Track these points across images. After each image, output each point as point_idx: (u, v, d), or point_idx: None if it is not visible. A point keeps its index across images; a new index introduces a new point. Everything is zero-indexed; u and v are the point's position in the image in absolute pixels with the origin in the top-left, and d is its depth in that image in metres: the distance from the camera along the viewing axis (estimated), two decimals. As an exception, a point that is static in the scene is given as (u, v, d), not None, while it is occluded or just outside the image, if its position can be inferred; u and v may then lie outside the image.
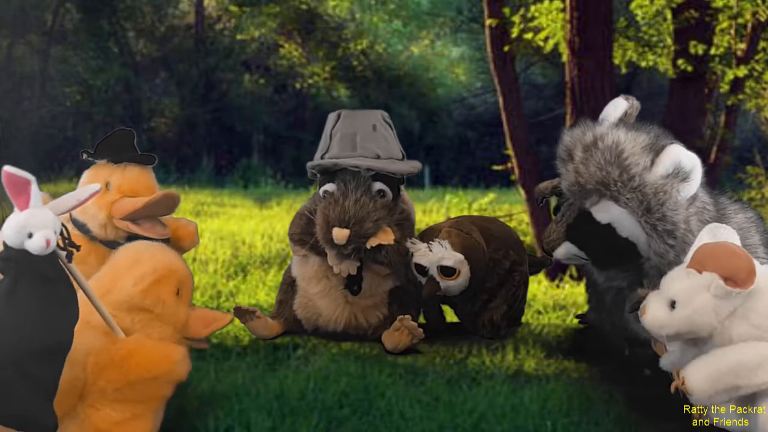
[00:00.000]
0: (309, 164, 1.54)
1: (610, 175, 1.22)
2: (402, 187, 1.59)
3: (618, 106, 1.33)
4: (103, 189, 1.47)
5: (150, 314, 1.15)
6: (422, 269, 1.48)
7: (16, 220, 0.97)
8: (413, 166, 1.54)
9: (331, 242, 1.44)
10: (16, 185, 0.97)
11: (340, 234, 1.42)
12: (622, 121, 1.30)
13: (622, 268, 1.33)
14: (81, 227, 1.50)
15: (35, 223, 0.96)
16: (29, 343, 0.95)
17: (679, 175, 1.21)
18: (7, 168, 0.97)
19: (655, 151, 1.23)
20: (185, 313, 1.20)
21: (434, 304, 1.63)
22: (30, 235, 0.96)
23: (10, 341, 0.94)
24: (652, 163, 1.22)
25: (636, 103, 1.34)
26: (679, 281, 1.11)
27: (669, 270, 1.24)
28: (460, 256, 1.47)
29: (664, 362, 1.20)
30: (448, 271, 1.47)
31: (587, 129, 1.28)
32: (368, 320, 1.56)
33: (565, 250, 1.33)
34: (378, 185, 1.47)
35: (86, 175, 1.52)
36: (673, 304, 1.10)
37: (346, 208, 1.44)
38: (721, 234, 1.17)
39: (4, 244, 0.99)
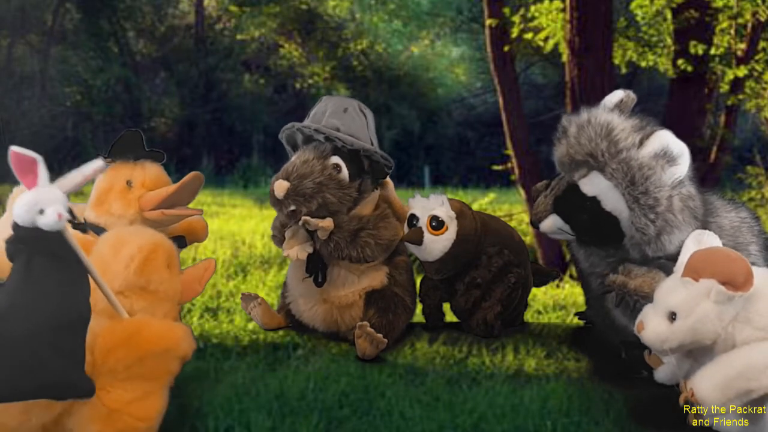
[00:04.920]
0: (279, 136, 1.57)
1: (598, 147, 1.27)
2: (390, 187, 1.59)
3: (614, 95, 1.38)
4: (126, 187, 1.48)
5: (149, 293, 1.16)
6: (413, 220, 1.51)
7: (26, 198, 0.98)
8: (378, 152, 1.51)
9: (273, 199, 1.45)
10: (23, 165, 1.00)
11: (279, 186, 1.42)
12: (617, 107, 1.34)
13: (604, 247, 1.35)
14: (100, 231, 1.50)
15: (46, 199, 0.98)
16: (55, 318, 0.97)
17: (665, 156, 1.24)
18: (13, 148, 0.99)
19: (645, 134, 1.27)
20: (180, 284, 1.21)
21: (434, 302, 1.63)
22: (41, 212, 0.97)
23: (37, 318, 0.97)
24: (641, 143, 1.26)
25: (632, 95, 1.38)
26: (676, 292, 1.10)
27: (648, 250, 1.27)
28: (453, 213, 1.51)
29: (660, 375, 1.21)
30: (436, 224, 1.49)
31: (583, 111, 1.34)
32: (343, 319, 1.55)
33: (551, 223, 1.36)
34: (334, 159, 1.47)
35: (103, 177, 1.52)
36: (672, 317, 1.09)
37: (292, 164, 1.46)
38: (706, 240, 1.17)
39: (15, 225, 1.00)
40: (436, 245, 1.50)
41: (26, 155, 0.99)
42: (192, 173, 1.49)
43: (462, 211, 1.53)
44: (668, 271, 1.26)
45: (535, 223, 1.40)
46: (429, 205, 1.52)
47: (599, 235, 1.33)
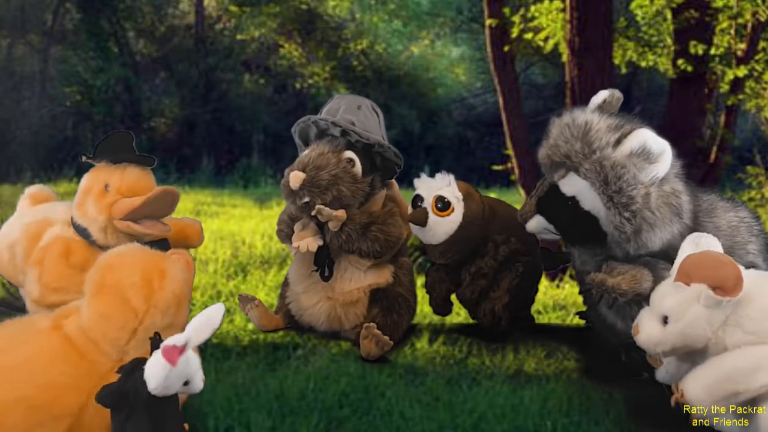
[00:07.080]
0: (292, 130, 1.58)
1: (573, 148, 1.28)
2: (395, 188, 1.59)
3: (599, 96, 1.38)
4: (103, 191, 1.46)
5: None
6: (418, 200, 1.49)
7: (173, 372, 0.98)
8: (392, 148, 1.51)
9: (287, 191, 1.45)
10: (173, 351, 0.99)
11: (294, 176, 1.42)
12: (601, 107, 1.34)
13: (588, 245, 1.36)
14: (82, 232, 1.49)
15: (191, 372, 1.01)
16: None
17: (642, 155, 1.23)
18: (166, 343, 0.99)
19: (623, 133, 1.27)
20: (171, 293, 1.18)
21: (441, 294, 1.61)
22: (186, 383, 1.01)
23: None
24: (618, 142, 1.26)
25: (617, 94, 1.38)
26: (668, 296, 1.11)
27: (628, 247, 1.28)
28: (459, 194, 1.48)
29: (660, 375, 1.21)
30: (442, 205, 1.47)
31: (567, 112, 1.35)
32: (347, 316, 1.55)
33: (536, 223, 1.37)
34: (348, 154, 1.48)
35: (86, 177, 1.51)
36: (665, 320, 1.10)
37: (307, 155, 1.46)
38: (703, 243, 1.17)
39: (136, 384, 0.99)
40: (441, 227, 1.47)
41: (176, 346, 0.98)
42: (163, 187, 1.45)
43: (469, 193, 1.50)
44: (653, 269, 1.27)
45: (522, 225, 1.40)
46: (435, 185, 1.49)
47: (581, 234, 1.34)
